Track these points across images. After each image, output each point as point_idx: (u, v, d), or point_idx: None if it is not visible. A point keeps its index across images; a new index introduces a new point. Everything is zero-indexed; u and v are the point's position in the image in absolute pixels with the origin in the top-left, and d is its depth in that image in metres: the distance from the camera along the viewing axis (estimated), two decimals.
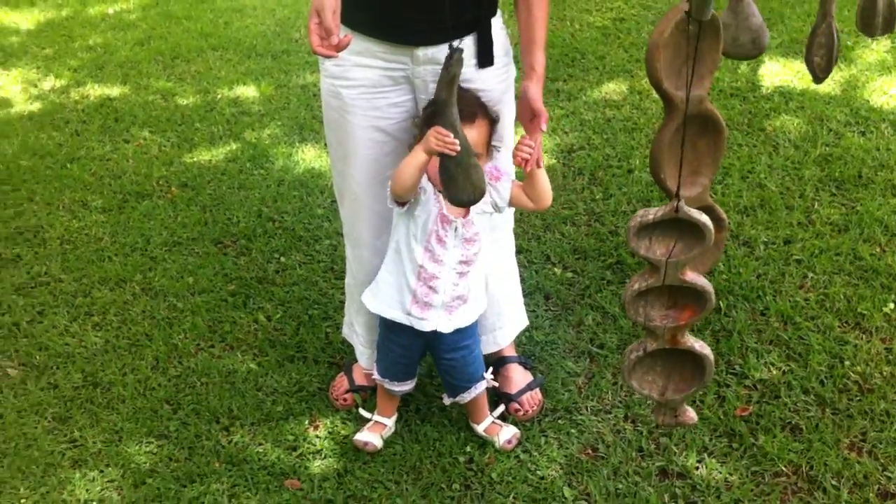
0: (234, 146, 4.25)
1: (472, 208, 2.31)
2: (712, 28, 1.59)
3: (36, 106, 4.82)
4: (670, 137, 1.68)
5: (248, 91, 4.79)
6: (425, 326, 2.39)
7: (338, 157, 2.49)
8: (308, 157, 4.09)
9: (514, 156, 2.25)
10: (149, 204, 3.84)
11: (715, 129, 1.67)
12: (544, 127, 2.26)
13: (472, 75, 2.31)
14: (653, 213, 1.50)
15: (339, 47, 1.99)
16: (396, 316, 2.41)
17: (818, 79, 2.06)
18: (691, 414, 1.79)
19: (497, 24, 2.33)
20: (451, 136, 1.97)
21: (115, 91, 4.91)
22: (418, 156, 2.16)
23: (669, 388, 1.70)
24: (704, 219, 1.49)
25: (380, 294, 2.43)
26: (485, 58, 2.30)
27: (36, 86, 5.06)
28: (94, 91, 4.92)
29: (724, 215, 1.75)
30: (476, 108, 2.27)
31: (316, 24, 1.99)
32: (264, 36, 5.51)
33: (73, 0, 6.43)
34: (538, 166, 2.26)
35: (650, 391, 1.71)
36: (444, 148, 2.01)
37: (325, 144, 4.07)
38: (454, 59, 1.88)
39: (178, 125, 4.50)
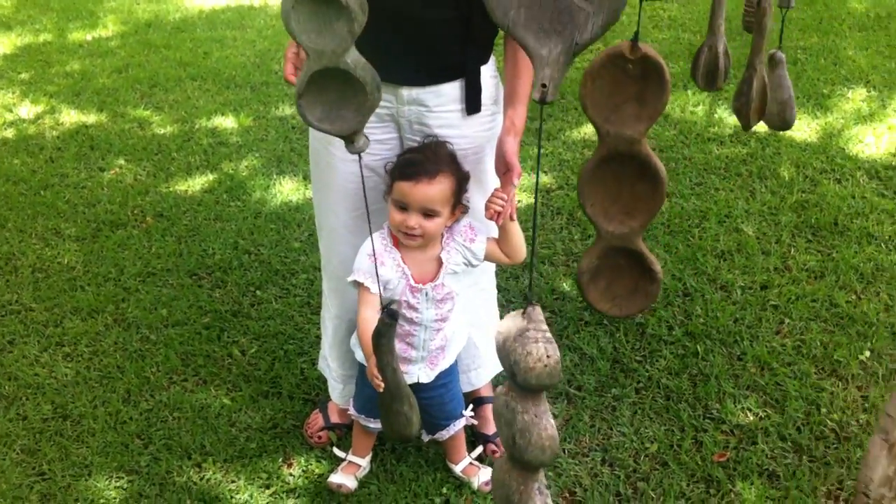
0: (211, 177, 4.22)
1: (441, 270, 2.28)
2: (657, 74, 1.58)
3: (10, 132, 4.77)
4: (593, 167, 1.69)
5: (226, 122, 4.77)
6: (406, 379, 2.36)
7: (318, 189, 2.48)
8: (286, 189, 4.07)
9: (487, 208, 2.18)
10: (123, 233, 3.79)
11: (653, 177, 1.65)
12: (516, 182, 2.18)
13: (457, 121, 2.30)
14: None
15: None
16: None
17: (744, 126, 2.14)
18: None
19: (488, 72, 2.31)
20: (380, 378, 1.95)
21: (91, 118, 4.87)
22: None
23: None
24: None
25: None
26: (472, 104, 2.29)
27: (11, 111, 5.02)
28: (71, 118, 4.88)
29: (657, 267, 1.70)
30: (441, 165, 2.20)
31: (294, 53, 2.06)
32: (244, 67, 5.50)
33: (51, 25, 6.40)
34: (511, 219, 2.21)
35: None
36: (374, 385, 2.03)
37: (304, 177, 4.07)
38: (384, 322, 1.79)
39: (155, 154, 4.46)
